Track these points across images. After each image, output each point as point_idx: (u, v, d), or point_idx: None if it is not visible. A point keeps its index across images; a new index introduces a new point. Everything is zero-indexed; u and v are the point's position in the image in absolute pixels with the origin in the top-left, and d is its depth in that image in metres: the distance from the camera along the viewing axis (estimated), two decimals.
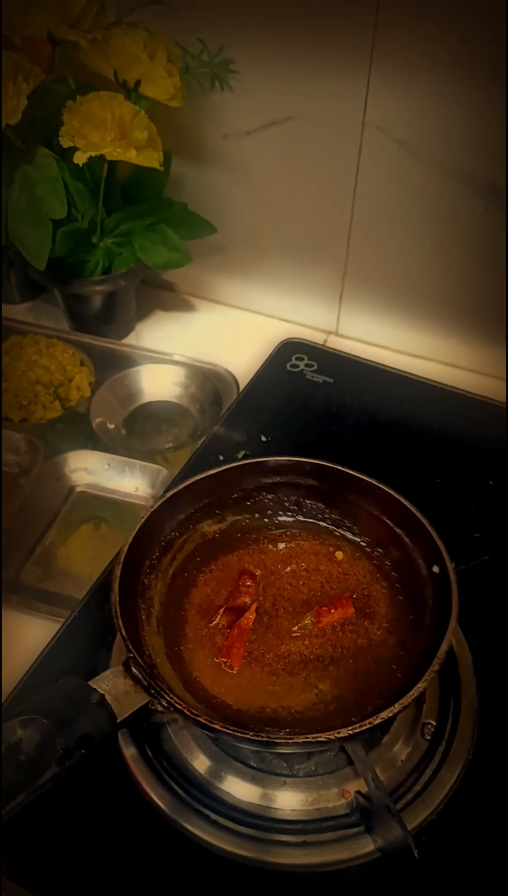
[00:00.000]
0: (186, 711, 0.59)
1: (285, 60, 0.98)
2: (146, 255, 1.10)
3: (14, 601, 0.84)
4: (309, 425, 1.02)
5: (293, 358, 1.11)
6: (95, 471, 1.00)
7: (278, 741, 0.59)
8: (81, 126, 0.93)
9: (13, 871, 0.62)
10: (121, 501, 0.99)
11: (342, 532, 0.80)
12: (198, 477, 0.76)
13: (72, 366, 1.09)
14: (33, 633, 0.80)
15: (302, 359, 1.11)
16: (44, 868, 0.63)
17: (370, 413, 1.03)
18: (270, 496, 0.81)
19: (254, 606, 0.72)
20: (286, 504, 0.81)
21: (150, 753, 0.69)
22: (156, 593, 0.73)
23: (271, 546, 0.79)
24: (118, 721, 0.59)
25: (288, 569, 0.77)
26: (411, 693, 0.60)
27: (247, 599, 0.73)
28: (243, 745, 0.67)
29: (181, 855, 0.64)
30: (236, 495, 0.80)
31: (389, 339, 1.18)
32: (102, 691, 0.59)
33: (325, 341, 1.20)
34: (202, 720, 0.58)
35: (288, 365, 1.10)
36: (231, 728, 0.58)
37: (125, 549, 0.69)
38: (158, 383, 1.12)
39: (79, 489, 0.99)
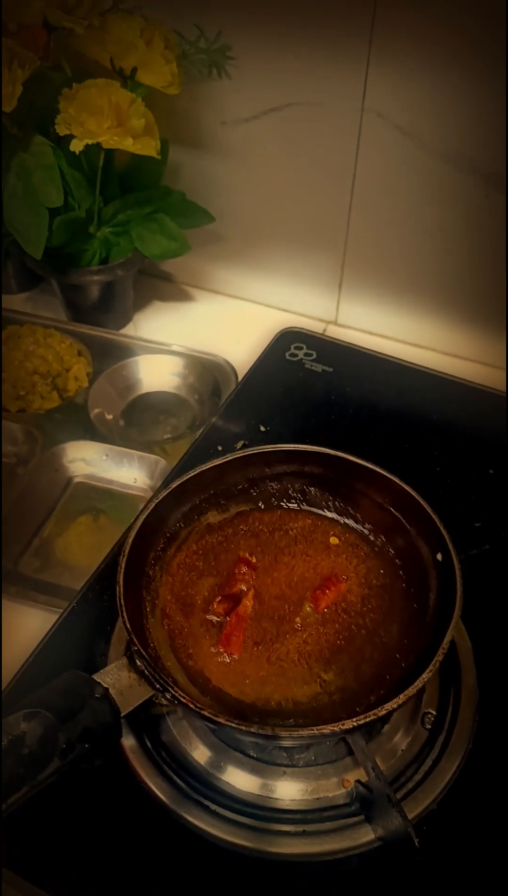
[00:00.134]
0: (191, 705, 0.58)
1: (284, 46, 0.98)
2: (144, 244, 1.09)
3: (12, 592, 0.83)
4: (308, 415, 1.01)
5: (292, 347, 1.10)
6: (93, 461, 0.99)
7: (284, 734, 0.58)
8: (77, 114, 0.92)
9: (13, 863, 0.62)
10: (119, 492, 0.98)
11: (346, 521, 0.79)
12: (203, 467, 0.76)
13: (70, 356, 1.09)
14: (31, 624, 0.79)
15: (301, 348, 1.10)
16: (44, 859, 0.63)
17: (370, 402, 1.03)
18: (274, 485, 0.80)
19: (251, 594, 0.71)
20: (291, 493, 0.80)
21: (149, 744, 0.69)
22: (161, 585, 0.73)
23: (275, 535, 0.78)
24: (122, 715, 0.59)
25: (293, 558, 0.76)
26: (416, 683, 0.59)
27: (243, 587, 0.72)
28: (248, 738, 0.66)
29: (181, 845, 0.64)
30: (240, 485, 0.79)
31: (388, 328, 1.18)
32: (105, 685, 0.59)
33: (324, 331, 1.19)
34: (207, 713, 0.58)
35: (287, 354, 1.09)
36: (236, 721, 0.58)
37: (130, 540, 0.68)
38: (157, 374, 1.12)
39: (77, 480, 0.99)
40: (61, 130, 0.93)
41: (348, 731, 0.59)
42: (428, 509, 0.71)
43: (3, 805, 0.51)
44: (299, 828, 0.64)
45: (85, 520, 0.96)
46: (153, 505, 0.72)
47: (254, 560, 0.75)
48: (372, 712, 0.58)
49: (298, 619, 0.71)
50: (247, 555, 0.76)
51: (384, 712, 0.58)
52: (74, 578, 0.86)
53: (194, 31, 1.00)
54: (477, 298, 1.08)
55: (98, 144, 0.94)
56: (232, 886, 0.62)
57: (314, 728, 0.58)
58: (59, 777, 0.54)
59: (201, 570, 0.75)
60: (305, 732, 0.58)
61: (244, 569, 0.74)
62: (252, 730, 0.57)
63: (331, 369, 1.07)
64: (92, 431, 1.01)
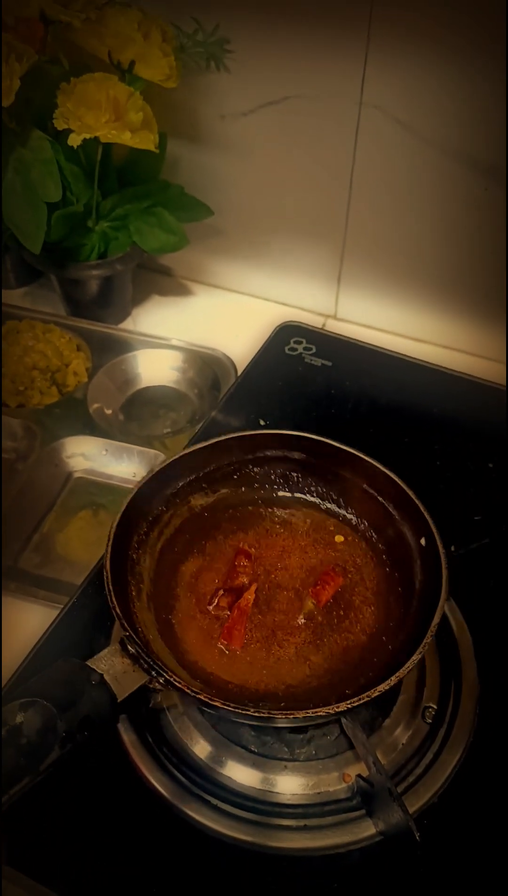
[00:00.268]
0: (186, 689, 0.58)
1: (282, 40, 0.97)
2: (143, 238, 1.09)
3: (12, 587, 0.83)
4: (308, 409, 1.01)
5: (292, 341, 1.10)
6: (92, 456, 0.99)
7: (279, 716, 0.59)
8: (75, 108, 0.92)
9: (14, 859, 0.62)
10: (119, 487, 0.98)
11: (329, 505, 0.80)
12: (186, 451, 0.76)
13: (69, 351, 1.08)
14: (31, 619, 0.79)
15: (300, 342, 1.10)
16: (45, 855, 0.63)
17: (369, 396, 1.03)
18: (257, 469, 0.81)
19: (253, 587, 0.72)
20: (274, 478, 0.81)
21: (150, 739, 0.69)
22: (145, 569, 0.73)
23: (258, 520, 0.79)
24: (119, 701, 0.59)
25: (277, 542, 0.77)
26: (406, 665, 0.60)
27: (245, 579, 0.73)
28: (242, 721, 0.67)
29: (182, 840, 0.64)
30: (224, 469, 0.79)
31: (388, 321, 1.18)
32: (100, 671, 0.59)
33: (324, 325, 1.19)
34: (203, 697, 0.58)
35: (286, 348, 1.09)
36: (232, 705, 0.58)
37: (114, 525, 0.68)
38: (156, 368, 1.11)
39: (77, 475, 0.99)
40: (59, 125, 0.93)
41: (342, 713, 0.60)
42: (410, 493, 0.72)
43: (4, 797, 0.50)
44: (301, 822, 0.64)
45: (85, 515, 0.96)
46: (137, 489, 0.72)
47: (253, 552, 0.75)
48: (365, 695, 0.58)
49: (301, 617, 0.71)
50: (246, 546, 0.76)
51: (376, 694, 0.58)
52: (74, 573, 0.86)
53: (192, 24, 1.00)
54: (477, 292, 1.08)
55: (96, 139, 0.93)
56: (233, 881, 0.62)
57: (310, 710, 0.58)
58: (59, 766, 0.54)
59: (186, 552, 0.76)
60: (300, 714, 0.58)
61: (244, 561, 0.74)
62: (249, 712, 0.58)
63: (330, 363, 1.07)
64: (91, 426, 1.00)
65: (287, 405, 1.01)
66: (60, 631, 0.76)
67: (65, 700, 0.55)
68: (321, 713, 0.58)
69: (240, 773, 0.67)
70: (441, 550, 0.67)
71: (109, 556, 0.66)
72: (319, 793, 0.66)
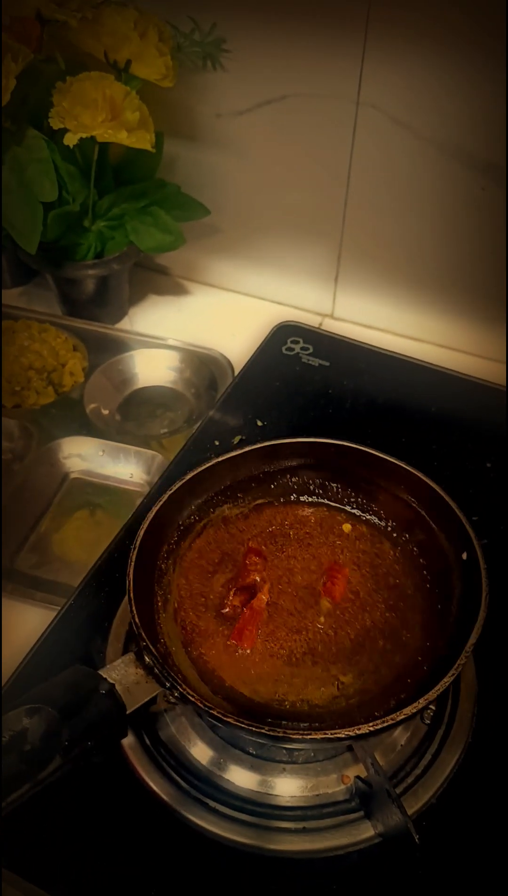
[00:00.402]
0: (200, 703, 0.57)
1: (278, 39, 0.97)
2: (139, 238, 1.09)
3: (9, 589, 0.83)
4: (306, 409, 1.01)
5: (289, 341, 1.10)
6: (89, 457, 0.99)
7: (295, 737, 0.57)
8: (71, 107, 0.92)
9: (13, 862, 0.62)
10: (116, 488, 0.98)
11: (367, 517, 0.78)
12: (218, 459, 0.74)
13: (65, 351, 1.08)
14: (29, 621, 0.79)
15: (298, 342, 1.10)
16: (44, 858, 0.63)
17: (367, 396, 1.02)
18: (293, 479, 0.79)
19: (267, 587, 0.69)
20: (310, 487, 0.79)
21: (147, 741, 0.68)
22: (173, 579, 0.71)
23: (293, 530, 0.77)
24: (128, 712, 0.58)
25: (311, 553, 0.75)
26: (437, 688, 0.58)
27: (257, 577, 0.70)
28: (257, 740, 0.65)
29: (181, 843, 0.63)
30: (257, 478, 0.78)
31: (385, 321, 1.17)
32: (112, 681, 0.58)
33: (320, 324, 1.19)
34: (215, 713, 0.57)
35: (284, 348, 1.09)
36: (245, 722, 0.56)
37: (141, 533, 0.67)
38: (153, 368, 1.11)
39: (73, 476, 0.99)
40: (55, 124, 0.93)
41: (362, 737, 0.57)
42: (454, 506, 0.70)
43: (3, 803, 0.50)
44: (300, 825, 0.64)
45: (82, 515, 0.95)
46: (166, 497, 0.70)
47: (264, 549, 0.74)
48: (390, 717, 0.57)
49: (321, 619, 0.69)
50: (257, 544, 0.74)
51: (401, 717, 0.57)
52: (71, 575, 0.86)
53: (189, 24, 1.00)
54: (475, 291, 1.08)
55: (92, 138, 0.93)
56: (233, 884, 0.62)
57: (328, 732, 0.56)
58: (62, 775, 0.53)
59: (217, 564, 0.74)
60: (318, 736, 0.56)
61: (255, 558, 0.72)
62: (262, 731, 0.56)
63: (328, 363, 1.07)
64: (88, 427, 1.00)
65: (285, 405, 1.01)
66: (58, 633, 0.76)
67: (71, 707, 0.54)
68: (341, 735, 0.56)
69: (238, 776, 0.67)
70: (483, 567, 0.65)
71: (133, 564, 0.64)
72: (317, 795, 0.66)
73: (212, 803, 0.65)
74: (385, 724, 0.57)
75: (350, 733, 0.56)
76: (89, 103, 0.92)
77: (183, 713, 0.70)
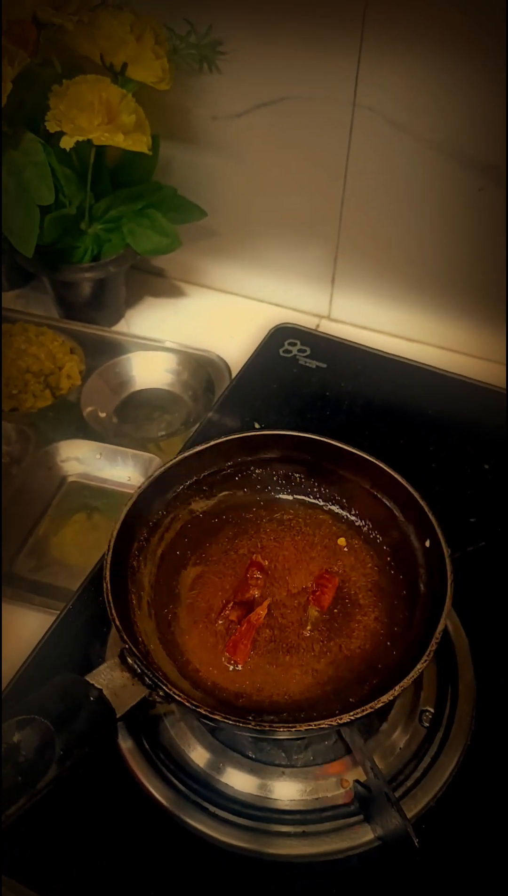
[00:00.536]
0: (186, 702, 0.57)
1: (275, 41, 0.97)
2: (136, 240, 1.08)
3: (8, 593, 0.83)
4: (303, 411, 1.01)
5: (286, 343, 1.10)
6: (86, 460, 0.99)
7: (281, 729, 0.58)
8: (67, 110, 0.91)
9: (11, 868, 0.62)
10: (113, 491, 0.98)
11: (331, 507, 0.79)
12: (186, 454, 0.74)
13: (62, 354, 1.08)
14: (27, 626, 0.79)
15: (295, 344, 1.10)
16: (42, 863, 0.63)
17: (364, 398, 1.02)
18: (259, 471, 0.79)
19: (266, 603, 0.70)
20: (276, 479, 0.79)
21: (147, 746, 0.68)
22: (145, 576, 0.71)
23: (261, 522, 0.77)
24: (118, 716, 0.58)
25: (279, 548, 0.76)
26: (411, 674, 0.59)
27: (256, 592, 0.71)
28: (243, 734, 0.66)
29: (180, 848, 0.63)
30: (225, 472, 0.78)
31: (381, 322, 1.17)
32: (99, 686, 0.58)
33: (317, 326, 1.19)
34: (202, 710, 0.57)
35: (281, 350, 1.09)
36: (232, 718, 0.57)
37: (114, 533, 0.67)
38: (150, 371, 1.11)
39: (71, 479, 0.99)
40: (52, 127, 0.92)
41: (345, 725, 0.58)
42: (416, 495, 0.71)
43: (3, 816, 0.50)
44: (299, 828, 0.64)
45: (79, 519, 0.95)
46: (136, 495, 0.70)
47: (266, 563, 0.74)
48: (369, 705, 0.57)
49: (309, 628, 0.70)
50: (259, 558, 0.74)
51: (380, 705, 0.58)
52: (69, 578, 0.86)
53: (185, 26, 0.99)
54: (473, 292, 1.08)
55: (89, 141, 0.93)
56: (232, 888, 0.62)
57: (312, 723, 0.57)
58: (58, 784, 0.53)
59: (187, 557, 0.75)
60: (302, 727, 0.57)
61: (257, 573, 0.72)
62: (250, 725, 0.57)
63: (325, 366, 1.07)
64: (85, 430, 1.00)
65: (282, 407, 1.01)
66: (57, 637, 0.76)
67: (62, 717, 0.54)
68: (323, 725, 0.57)
69: (238, 780, 0.67)
70: (447, 553, 0.66)
71: (108, 565, 0.65)
72: (317, 798, 0.66)
73: (211, 807, 0.65)
74: (365, 713, 0.57)
75: (332, 722, 0.57)
76: (86, 106, 0.92)
77: (182, 718, 0.70)
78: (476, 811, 0.66)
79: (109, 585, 0.64)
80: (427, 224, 1.05)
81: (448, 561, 0.66)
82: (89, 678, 0.59)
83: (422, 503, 0.70)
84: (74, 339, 1.11)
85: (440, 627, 0.62)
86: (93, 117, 0.92)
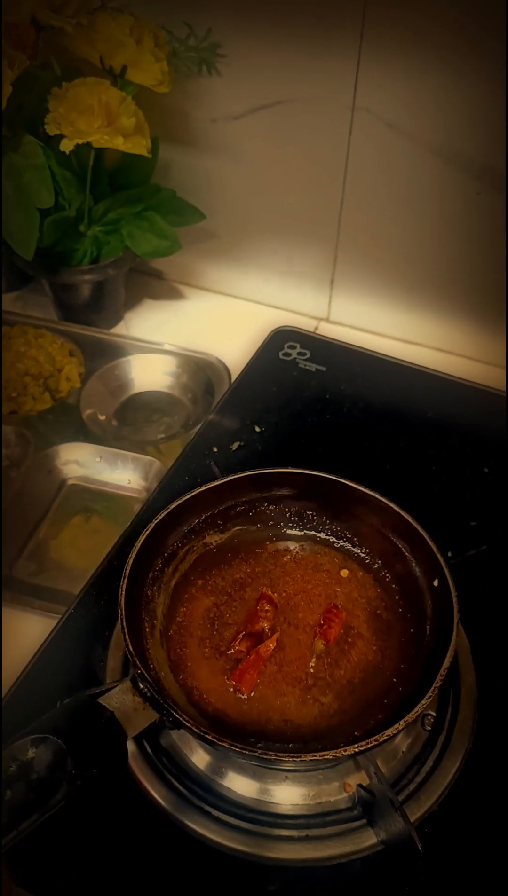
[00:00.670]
0: (196, 729, 0.58)
1: (274, 44, 0.97)
2: (135, 243, 1.08)
3: (8, 597, 0.83)
4: (303, 414, 1.01)
5: (286, 346, 1.10)
6: (86, 463, 0.99)
7: (286, 758, 0.58)
8: (67, 113, 0.91)
9: (12, 871, 0.61)
10: (113, 494, 0.98)
11: (342, 543, 0.79)
12: (202, 488, 0.75)
13: (61, 356, 1.08)
14: (27, 630, 0.79)
15: (295, 347, 1.10)
16: (44, 866, 0.62)
17: (365, 401, 1.02)
18: (271, 507, 0.80)
19: (275, 636, 0.70)
20: (288, 515, 0.80)
21: (149, 750, 0.68)
22: (159, 605, 0.72)
23: (272, 557, 0.78)
24: (128, 738, 0.59)
25: (289, 582, 0.76)
26: (415, 709, 0.59)
27: (265, 625, 0.71)
28: (249, 762, 0.66)
29: (183, 852, 0.63)
30: (239, 507, 0.79)
31: (380, 324, 1.17)
32: (111, 708, 0.59)
33: (316, 328, 1.19)
34: (211, 737, 0.58)
35: (281, 353, 1.09)
36: (239, 745, 0.58)
37: (129, 562, 0.68)
38: (149, 373, 1.11)
39: (70, 482, 0.98)
40: (51, 130, 0.92)
41: (349, 757, 0.59)
42: (425, 535, 0.71)
43: (14, 832, 0.50)
44: (302, 833, 0.64)
45: (79, 522, 0.95)
46: (153, 525, 0.71)
47: (275, 596, 0.74)
48: (373, 738, 0.58)
49: (313, 660, 0.70)
50: (269, 591, 0.75)
51: (384, 738, 0.58)
52: (70, 582, 0.86)
53: (184, 29, 0.99)
54: (472, 293, 1.08)
55: (88, 144, 0.93)
56: (235, 893, 0.62)
57: (317, 754, 0.58)
58: (67, 803, 0.54)
59: (200, 589, 0.75)
60: (307, 757, 0.58)
61: (267, 606, 0.73)
62: (256, 754, 0.58)
63: (325, 369, 1.07)
64: (85, 432, 1.00)
65: (282, 410, 1.01)
66: (59, 642, 0.76)
67: (75, 737, 0.55)
68: (328, 756, 0.58)
69: (240, 784, 0.67)
70: (454, 593, 0.66)
71: (123, 593, 0.65)
72: (320, 803, 0.66)
73: (214, 811, 0.65)
74: (369, 746, 0.58)
75: (338, 754, 0.58)
76: (85, 109, 0.92)
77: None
78: (479, 815, 0.66)
79: (123, 612, 0.64)
80: (426, 226, 1.05)
81: (454, 601, 0.66)
82: (102, 700, 0.59)
83: (431, 543, 0.70)
84: (73, 342, 1.11)
85: (445, 665, 0.62)
86: (92, 120, 0.92)
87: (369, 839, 0.64)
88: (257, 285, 1.23)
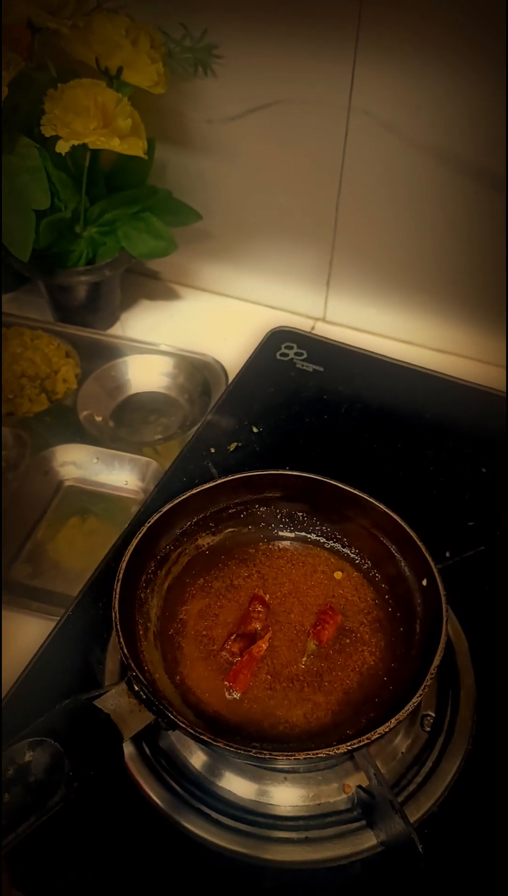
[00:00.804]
0: (190, 729, 0.58)
1: (270, 44, 0.97)
2: (131, 244, 1.08)
3: (5, 599, 0.82)
4: (301, 415, 1.01)
5: (283, 346, 1.10)
6: (83, 464, 0.98)
7: (279, 757, 0.59)
8: (63, 114, 0.91)
9: (11, 873, 0.61)
10: (110, 495, 0.98)
11: (333, 544, 0.80)
12: (194, 491, 0.76)
13: (57, 358, 1.08)
14: (26, 632, 0.79)
15: (292, 347, 1.10)
16: (42, 869, 0.62)
17: (362, 402, 1.02)
18: (263, 509, 0.80)
19: (268, 636, 0.71)
20: (279, 517, 0.81)
21: (147, 751, 0.68)
22: (153, 608, 0.72)
23: (264, 559, 0.79)
24: (124, 740, 0.59)
25: (282, 583, 0.77)
26: (406, 708, 0.60)
27: (258, 626, 0.72)
28: (244, 762, 0.66)
29: (182, 854, 0.63)
30: (231, 510, 0.79)
31: (378, 324, 1.17)
32: (107, 711, 0.59)
33: (313, 328, 1.19)
34: (205, 738, 0.58)
35: (278, 354, 1.09)
36: (234, 745, 0.58)
37: (123, 565, 0.68)
38: (146, 374, 1.11)
39: (67, 483, 0.98)
40: (47, 132, 0.92)
41: (342, 755, 0.61)
42: (413, 535, 0.71)
43: (12, 835, 0.50)
44: (301, 834, 0.64)
45: (76, 524, 0.95)
46: (145, 528, 0.72)
47: (267, 597, 0.75)
48: (365, 737, 0.58)
49: (304, 659, 0.70)
50: (261, 592, 0.75)
51: (376, 736, 0.58)
52: (67, 583, 0.86)
53: (180, 30, 0.99)
54: (470, 293, 1.08)
55: (84, 145, 0.93)
56: (234, 894, 0.62)
57: (310, 752, 0.58)
58: (64, 805, 0.54)
59: (193, 591, 0.76)
60: (300, 756, 0.58)
61: (259, 607, 0.73)
62: (251, 754, 0.58)
63: (322, 369, 1.07)
64: (82, 434, 1.00)
65: (280, 411, 1.01)
66: (57, 644, 0.76)
67: (72, 739, 0.55)
68: (321, 755, 0.58)
69: (238, 785, 0.67)
70: (443, 593, 0.67)
71: (117, 596, 0.66)
72: (319, 804, 0.66)
73: (213, 813, 0.65)
74: (362, 744, 0.59)
75: (331, 752, 0.58)
76: (81, 111, 0.92)
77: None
78: (479, 815, 0.66)
79: (117, 615, 0.65)
80: (423, 226, 1.05)
81: (443, 600, 0.67)
82: (98, 703, 0.59)
83: (419, 543, 0.71)
84: (70, 343, 1.11)
85: (435, 664, 0.63)
86: (88, 121, 0.92)
87: (368, 841, 0.64)
88: (253, 285, 1.23)
